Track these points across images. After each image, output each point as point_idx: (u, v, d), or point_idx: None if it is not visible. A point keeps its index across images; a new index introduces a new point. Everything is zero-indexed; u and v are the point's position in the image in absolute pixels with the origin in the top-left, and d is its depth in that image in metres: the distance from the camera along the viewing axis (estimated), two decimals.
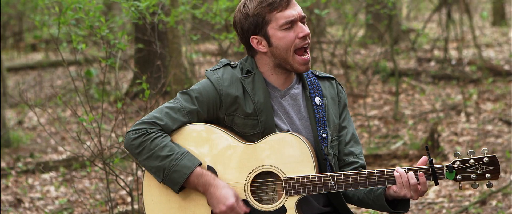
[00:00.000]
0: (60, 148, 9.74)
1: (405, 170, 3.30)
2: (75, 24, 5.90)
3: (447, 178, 3.30)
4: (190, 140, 3.41)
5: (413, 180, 3.29)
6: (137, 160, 3.43)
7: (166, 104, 3.45)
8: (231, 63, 3.51)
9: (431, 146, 8.30)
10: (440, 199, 7.02)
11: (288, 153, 3.35)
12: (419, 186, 3.29)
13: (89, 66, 12.17)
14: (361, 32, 14.59)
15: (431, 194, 7.16)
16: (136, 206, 6.25)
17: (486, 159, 3.29)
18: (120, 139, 5.55)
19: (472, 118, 9.64)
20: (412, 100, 10.96)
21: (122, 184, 5.72)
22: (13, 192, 8.18)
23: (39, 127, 10.98)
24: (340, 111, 3.56)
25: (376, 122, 10.06)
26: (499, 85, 11.01)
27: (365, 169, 3.46)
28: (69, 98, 11.84)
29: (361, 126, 9.91)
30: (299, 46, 3.41)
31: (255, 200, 3.38)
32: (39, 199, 7.98)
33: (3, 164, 9.17)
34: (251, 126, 3.41)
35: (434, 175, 3.30)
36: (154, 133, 3.37)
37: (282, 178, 3.35)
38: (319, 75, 3.57)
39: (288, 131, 3.42)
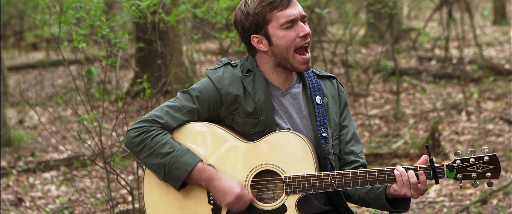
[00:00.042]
0: (61, 147, 9.74)
1: (405, 169, 3.30)
2: (76, 23, 5.90)
3: (448, 177, 3.29)
4: (191, 138, 3.41)
5: (413, 179, 3.28)
6: (138, 158, 3.43)
7: (167, 103, 3.44)
8: (232, 62, 3.51)
9: (432, 145, 8.29)
10: (441, 198, 7.02)
11: (289, 152, 3.35)
12: (419, 185, 3.29)
13: (90, 65, 12.17)
14: (362, 31, 14.58)
15: (431, 193, 7.16)
16: (137, 205, 6.25)
17: (486, 158, 3.28)
18: (121, 138, 5.55)
19: (473, 117, 9.64)
20: (413, 99, 10.95)
21: (123, 183, 5.72)
22: (14, 191, 8.18)
23: (40, 126, 10.98)
24: (340, 110, 3.56)
25: (377, 121, 10.06)
26: (500, 84, 11.00)
27: (365, 168, 3.45)
28: (70, 97, 11.84)
29: (362, 125, 9.91)
30: (300, 45, 3.40)
31: (256, 198, 3.38)
32: (40, 198, 7.98)
33: (4, 163, 9.17)
34: (251, 124, 3.41)
35: (434, 173, 3.29)
36: (155, 131, 3.37)
37: (282, 176, 3.35)
38: (319, 74, 3.57)
39: (289, 129, 3.42)
